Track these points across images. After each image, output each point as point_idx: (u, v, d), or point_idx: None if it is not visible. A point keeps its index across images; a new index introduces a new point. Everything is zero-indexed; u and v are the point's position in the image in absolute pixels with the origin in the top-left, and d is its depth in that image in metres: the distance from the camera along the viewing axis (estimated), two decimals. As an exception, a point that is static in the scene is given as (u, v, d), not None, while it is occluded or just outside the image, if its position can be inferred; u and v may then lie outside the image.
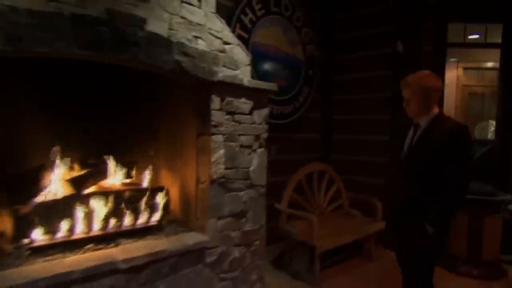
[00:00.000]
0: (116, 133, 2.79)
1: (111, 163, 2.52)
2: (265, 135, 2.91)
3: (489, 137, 6.51)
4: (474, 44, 5.07)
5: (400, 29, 4.26)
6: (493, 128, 5.81)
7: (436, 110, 2.26)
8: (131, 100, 2.84)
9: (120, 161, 2.64)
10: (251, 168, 2.81)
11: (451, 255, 3.77)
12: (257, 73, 3.71)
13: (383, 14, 4.42)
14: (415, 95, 2.24)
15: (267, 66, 3.90)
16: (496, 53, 4.53)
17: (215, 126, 2.55)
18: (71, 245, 2.17)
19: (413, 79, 2.26)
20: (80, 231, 2.23)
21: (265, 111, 2.89)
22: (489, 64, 6.73)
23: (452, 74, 6.77)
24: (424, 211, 2.17)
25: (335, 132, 4.96)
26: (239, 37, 3.47)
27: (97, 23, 1.93)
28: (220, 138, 2.59)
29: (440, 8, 4.27)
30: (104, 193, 2.33)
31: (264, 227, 2.98)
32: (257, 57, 3.69)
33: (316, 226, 3.28)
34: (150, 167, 2.77)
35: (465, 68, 6.98)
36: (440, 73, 4.40)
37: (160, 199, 2.59)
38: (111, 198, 2.32)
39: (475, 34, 4.99)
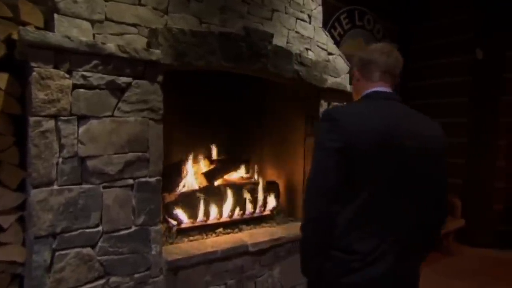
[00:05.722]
0: (231, 135, 2.87)
1: (233, 160, 2.58)
2: (362, 137, 2.81)
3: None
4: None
5: (480, 37, 3.91)
6: None
7: None
8: (239, 108, 2.91)
9: (237, 158, 2.70)
10: (351, 166, 2.73)
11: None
12: (343, 81, 3.60)
13: (460, 24, 4.08)
14: None
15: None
16: None
17: (322, 128, 2.50)
18: (206, 228, 2.25)
19: None
20: (212, 217, 2.30)
21: (363, 115, 2.80)
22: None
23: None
24: None
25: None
26: (330, 48, 3.40)
27: (237, 39, 1.98)
28: (326, 139, 2.54)
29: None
30: (231, 186, 2.39)
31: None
32: (343, 66, 3.59)
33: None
34: (261, 164, 2.81)
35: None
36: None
37: (273, 192, 2.60)
38: (236, 190, 2.38)
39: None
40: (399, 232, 1.09)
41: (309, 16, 2.50)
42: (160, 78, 1.71)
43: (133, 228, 1.68)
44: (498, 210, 3.98)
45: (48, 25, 1.59)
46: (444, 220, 1.25)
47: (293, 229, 2.44)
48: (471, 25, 3.96)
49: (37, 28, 1.66)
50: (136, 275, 1.69)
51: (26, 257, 1.60)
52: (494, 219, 3.93)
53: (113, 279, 1.62)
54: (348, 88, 2.62)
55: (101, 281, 1.59)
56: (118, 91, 1.59)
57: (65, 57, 1.44)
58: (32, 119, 1.40)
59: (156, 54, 1.65)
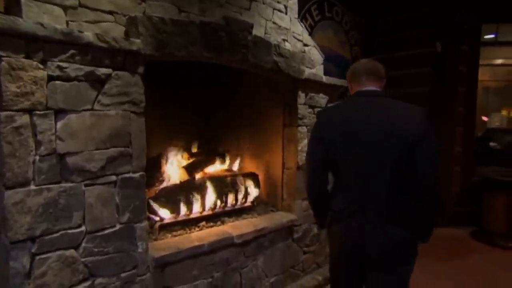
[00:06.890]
0: (209, 127, 2.82)
1: (212, 152, 2.54)
2: (336, 126, 2.89)
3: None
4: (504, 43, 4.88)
5: (439, 31, 4.14)
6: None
7: None
8: (216, 100, 2.87)
9: (217, 150, 2.66)
10: (327, 155, 2.80)
11: (491, 232, 3.72)
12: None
13: (422, 18, 4.27)
14: None
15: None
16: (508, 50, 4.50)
17: (300, 119, 2.54)
18: (188, 222, 2.20)
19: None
20: (195, 211, 2.26)
21: (337, 105, 2.87)
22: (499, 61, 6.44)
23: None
24: None
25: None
26: (302, 40, 3.42)
27: (218, 29, 1.93)
28: (304, 129, 2.58)
29: (476, 12, 4.14)
30: (212, 179, 2.35)
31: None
32: (314, 57, 3.64)
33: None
34: (239, 155, 2.79)
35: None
36: (474, 70, 4.29)
37: (253, 183, 2.60)
38: (217, 183, 2.35)
39: (491, 34, 4.83)
40: (368, 200, 1.42)
41: (285, 7, 2.50)
42: (141, 69, 1.63)
43: (118, 226, 1.60)
44: (455, 192, 4.29)
45: (11, 10, 1.45)
46: (424, 199, 1.42)
47: (274, 219, 2.47)
48: (431, 20, 4.17)
49: (-2, 13, 1.51)
50: (123, 275, 1.63)
51: (-1, 264, 1.48)
52: (451, 201, 4.24)
53: (99, 280, 1.55)
54: (324, 79, 2.67)
55: (86, 283, 1.51)
56: (98, 83, 1.50)
57: (38, 46, 1.32)
58: (3, 114, 1.27)
59: (137, 43, 1.56)
